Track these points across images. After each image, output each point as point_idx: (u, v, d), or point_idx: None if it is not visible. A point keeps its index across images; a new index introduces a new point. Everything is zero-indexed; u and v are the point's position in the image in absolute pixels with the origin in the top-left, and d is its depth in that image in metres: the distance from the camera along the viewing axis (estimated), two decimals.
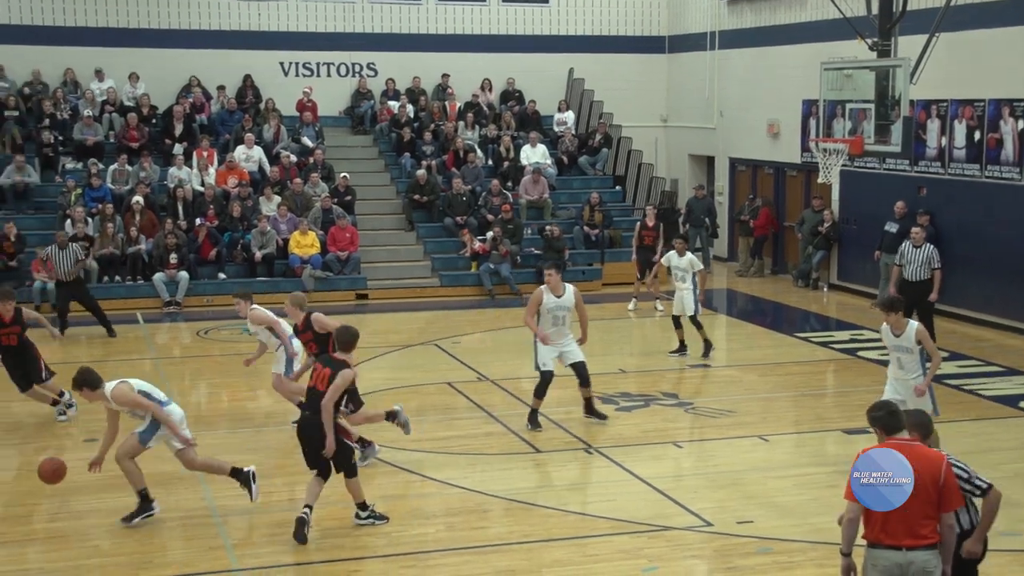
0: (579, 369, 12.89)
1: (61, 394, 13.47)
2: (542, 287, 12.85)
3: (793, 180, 24.79)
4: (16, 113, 24.08)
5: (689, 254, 16.58)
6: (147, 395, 9.93)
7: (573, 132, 27.00)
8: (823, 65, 19.36)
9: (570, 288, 12.85)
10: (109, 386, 9.84)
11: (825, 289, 22.73)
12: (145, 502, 9.99)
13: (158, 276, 21.09)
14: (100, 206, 21.85)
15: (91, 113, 24.30)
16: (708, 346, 16.54)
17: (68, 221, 21.53)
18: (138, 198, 21.98)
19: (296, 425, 9.92)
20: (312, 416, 9.46)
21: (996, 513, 6.80)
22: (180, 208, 22.44)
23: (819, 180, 20.24)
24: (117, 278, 21.38)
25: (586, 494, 11.14)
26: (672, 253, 16.70)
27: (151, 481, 10.61)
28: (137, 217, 21.78)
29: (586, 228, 24.01)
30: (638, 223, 21.42)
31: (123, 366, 16.86)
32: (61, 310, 18.63)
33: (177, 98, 25.38)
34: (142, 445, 9.95)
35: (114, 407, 9.89)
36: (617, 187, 26.34)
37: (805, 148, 23.10)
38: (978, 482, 6.78)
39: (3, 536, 9.88)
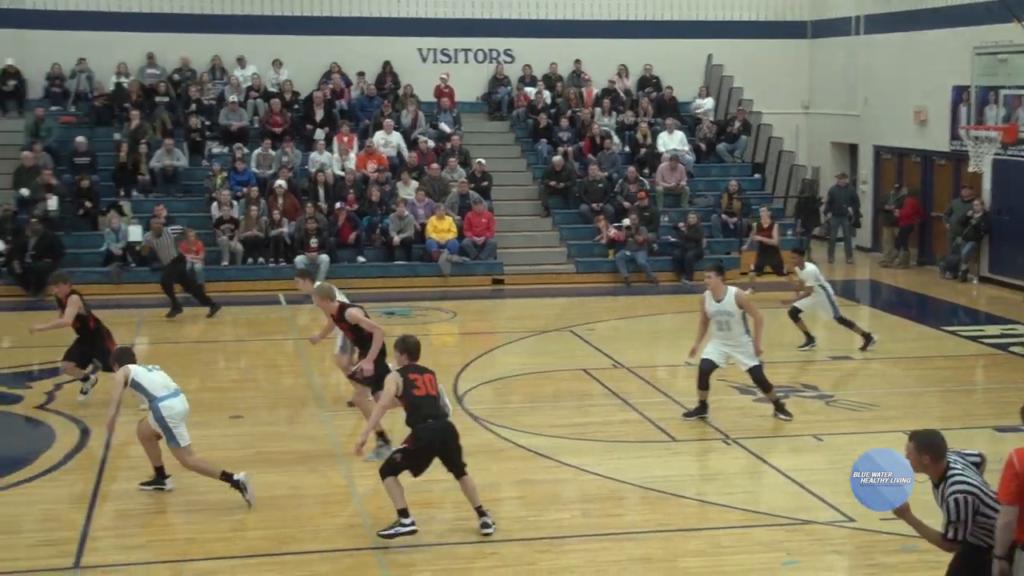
0: (753, 375, 12.61)
1: (85, 378, 13.60)
2: (706, 292, 12.67)
3: (941, 169, 23.99)
4: (166, 99, 24.84)
5: (809, 265, 16.38)
6: (139, 386, 9.99)
7: (712, 119, 26.64)
8: (975, 50, 18.71)
9: (731, 291, 12.40)
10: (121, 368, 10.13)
11: (975, 281, 21.96)
12: (229, 479, 10.10)
13: (299, 258, 21.52)
14: (245, 189, 22.41)
15: (236, 99, 24.93)
16: (868, 338, 16.15)
17: (214, 204, 22.15)
18: (281, 182, 22.47)
19: (427, 436, 9.13)
20: (442, 422, 9.23)
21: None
22: (321, 192, 22.86)
23: (969, 169, 19.60)
24: (260, 260, 21.89)
25: (723, 485, 10.96)
26: (796, 268, 16.48)
27: (292, 459, 10.85)
28: (280, 200, 22.27)
29: (724, 216, 23.68)
30: (755, 223, 21.26)
31: (269, 346, 17.36)
32: (167, 288, 18.97)
33: (318, 84, 25.85)
34: (179, 448, 10.01)
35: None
36: (756, 175, 25.90)
37: (954, 136, 22.34)
38: (951, 533, 6.52)
39: (152, 506, 10.20)
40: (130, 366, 10.15)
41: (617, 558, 9.00)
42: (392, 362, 9.82)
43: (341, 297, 12.11)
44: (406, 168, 23.68)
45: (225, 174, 22.99)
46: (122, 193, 22.86)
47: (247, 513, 9.92)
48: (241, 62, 25.97)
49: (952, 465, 6.54)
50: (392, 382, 9.19)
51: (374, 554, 9.07)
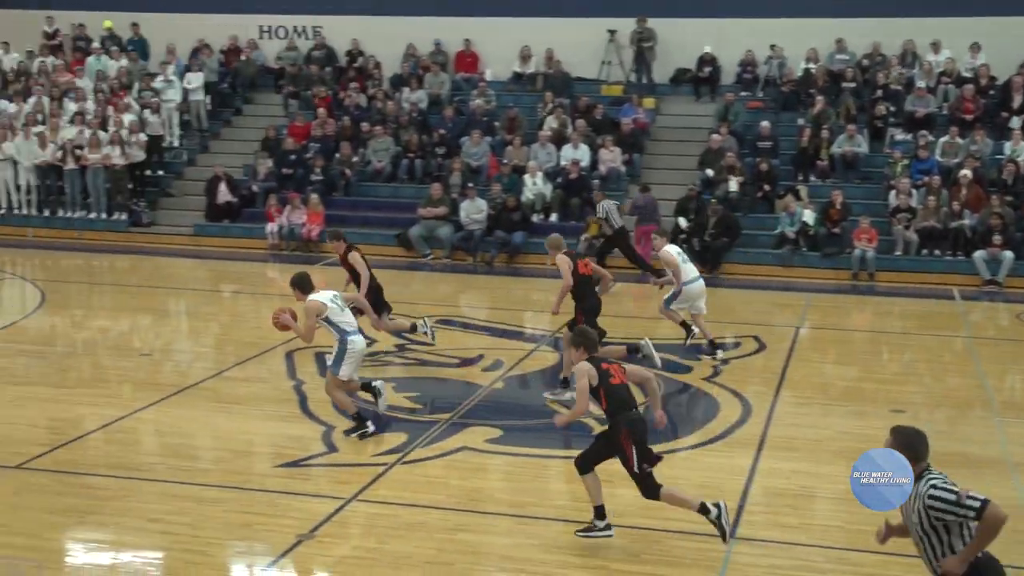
0: None
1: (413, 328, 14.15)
2: None
3: None
4: (853, 85, 24.62)
5: None
6: (328, 320, 10.88)
7: None
8: None
9: None
10: (311, 296, 10.93)
11: None
12: (360, 422, 11.09)
13: (979, 253, 20.29)
14: (926, 178, 21.58)
15: (925, 84, 24.05)
16: None
17: (892, 192, 21.61)
18: (966, 171, 21.30)
19: (633, 427, 8.45)
20: (640, 414, 8.64)
21: (993, 535, 6.03)
22: (1011, 184, 21.32)
23: None
24: (936, 252, 20.96)
25: None
26: None
27: (956, 461, 10.23)
28: (963, 191, 21.13)
29: None
30: None
31: (937, 341, 16.55)
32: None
33: (1019, 68, 24.08)
34: (335, 376, 11.04)
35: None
36: None
37: None
38: (969, 502, 5.98)
39: (805, 489, 10.13)
40: (325, 303, 10.89)
41: None
42: (571, 357, 9.05)
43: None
44: None
45: (906, 162, 22.29)
46: (800, 177, 23.10)
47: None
48: (935, 47, 24.96)
49: (932, 469, 6.25)
50: (584, 374, 8.49)
51: None
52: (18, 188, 24.75)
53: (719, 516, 8.48)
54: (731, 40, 25.90)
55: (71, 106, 25.64)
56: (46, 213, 24.76)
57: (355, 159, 24.61)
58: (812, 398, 13.20)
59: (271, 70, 28.04)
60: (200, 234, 23.81)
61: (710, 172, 22.81)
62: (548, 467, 10.67)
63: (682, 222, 21.66)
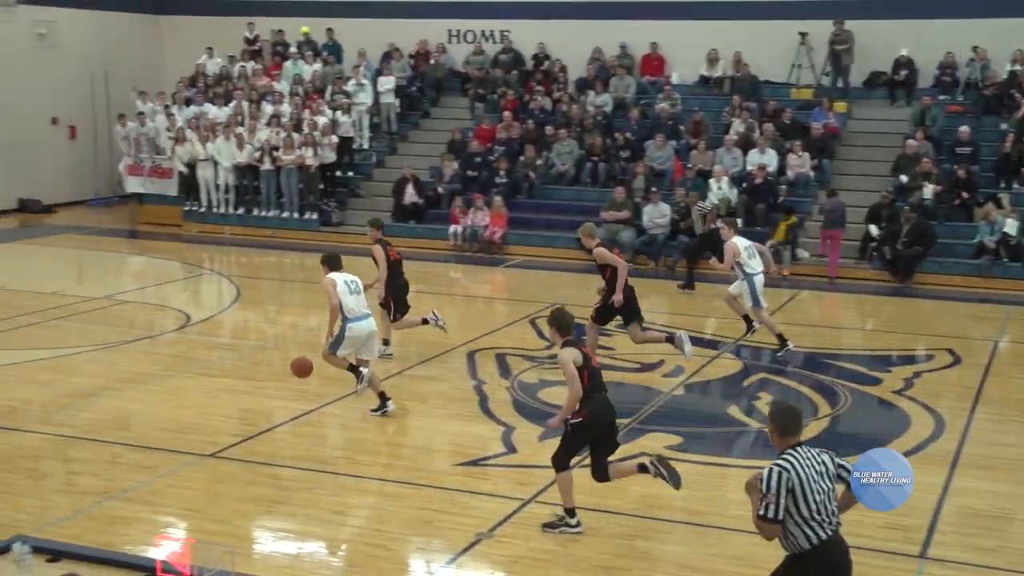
0: None
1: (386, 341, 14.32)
2: None
3: None
4: None
5: None
6: (340, 301, 11.38)
7: None
8: None
9: None
10: (329, 274, 11.60)
11: None
12: (355, 372, 11.69)
13: None
14: None
15: None
16: None
17: None
18: None
19: (600, 411, 8.85)
20: (607, 397, 9.00)
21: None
22: None
23: None
24: None
25: None
26: None
27: None
28: None
29: None
30: None
31: None
32: (689, 261, 20.14)
33: None
34: (331, 352, 11.57)
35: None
36: None
37: None
38: (762, 508, 5.99)
39: (1002, 510, 9.66)
40: (336, 282, 11.45)
41: None
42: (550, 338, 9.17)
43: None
44: None
45: None
46: (1002, 185, 22.05)
47: None
48: None
49: (797, 449, 6.07)
50: (570, 357, 8.71)
51: None
52: (217, 188, 25.82)
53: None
54: (929, 42, 24.90)
55: (268, 109, 26.59)
56: (242, 212, 25.76)
57: (539, 162, 24.72)
58: (1011, 416, 12.58)
59: (458, 73, 28.44)
60: (387, 234, 24.05)
61: (904, 178, 21.99)
62: (728, 476, 10.47)
63: (873, 230, 20.95)
